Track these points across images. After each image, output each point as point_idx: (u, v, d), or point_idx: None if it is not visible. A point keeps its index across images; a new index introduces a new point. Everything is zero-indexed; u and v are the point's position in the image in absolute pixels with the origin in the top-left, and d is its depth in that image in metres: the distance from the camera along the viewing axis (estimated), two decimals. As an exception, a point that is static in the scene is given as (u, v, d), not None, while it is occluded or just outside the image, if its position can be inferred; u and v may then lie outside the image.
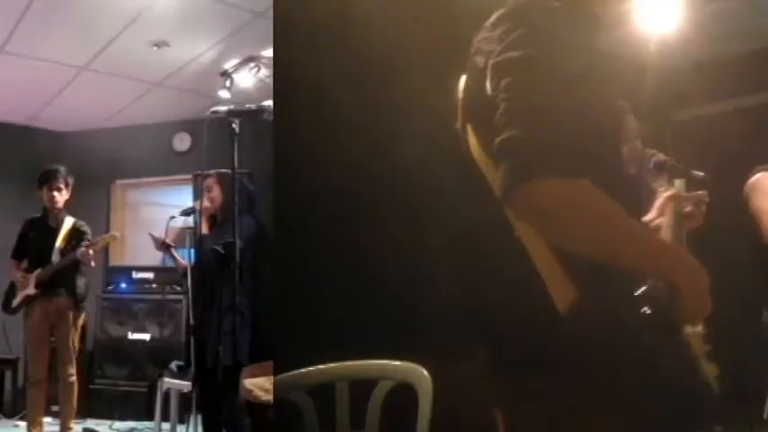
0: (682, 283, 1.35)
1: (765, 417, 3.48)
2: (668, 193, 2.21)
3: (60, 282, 4.30)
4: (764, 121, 4.68)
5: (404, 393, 1.98)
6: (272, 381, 2.86)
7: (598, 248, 1.27)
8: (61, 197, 4.39)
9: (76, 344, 4.40)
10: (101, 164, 5.90)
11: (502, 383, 1.48)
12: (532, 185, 1.21)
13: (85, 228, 4.49)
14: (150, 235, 4.00)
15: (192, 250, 3.92)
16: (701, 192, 2.27)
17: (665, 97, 4.74)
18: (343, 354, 2.14)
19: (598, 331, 1.28)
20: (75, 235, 4.42)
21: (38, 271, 4.29)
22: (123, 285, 5.63)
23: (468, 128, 1.48)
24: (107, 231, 5.91)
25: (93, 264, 4.34)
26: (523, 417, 1.44)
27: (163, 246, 3.95)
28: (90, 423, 5.07)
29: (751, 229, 3.25)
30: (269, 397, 3.26)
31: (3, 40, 4.40)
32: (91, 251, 4.24)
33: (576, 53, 1.32)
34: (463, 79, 1.56)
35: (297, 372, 2.13)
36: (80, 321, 4.47)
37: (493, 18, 1.45)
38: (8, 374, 5.61)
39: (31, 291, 4.27)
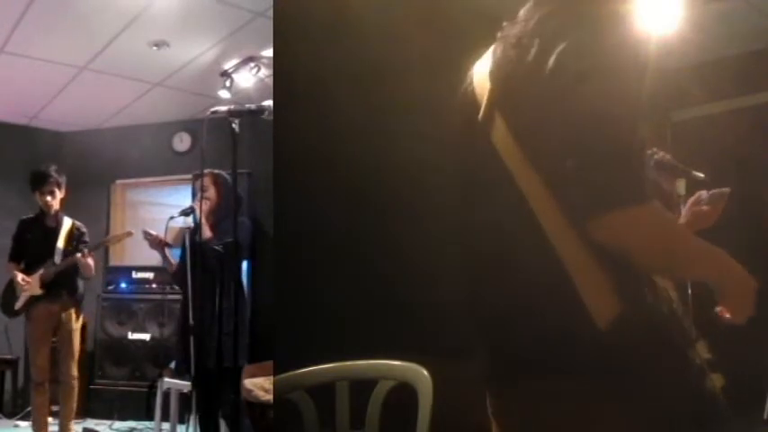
0: (729, 287, 1.40)
1: (765, 417, 3.48)
2: (692, 199, 2.17)
3: (63, 283, 4.28)
4: (764, 121, 4.67)
5: (404, 393, 1.97)
6: (272, 381, 2.86)
7: (673, 266, 1.37)
8: (55, 200, 4.34)
9: (77, 344, 4.40)
10: (101, 164, 5.90)
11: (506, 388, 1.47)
12: (614, 216, 1.24)
13: (84, 229, 4.47)
14: (144, 231, 3.84)
15: (187, 249, 3.83)
16: (725, 189, 2.20)
17: (665, 97, 4.73)
18: (343, 354, 2.14)
19: (641, 345, 1.31)
20: (76, 235, 4.39)
21: (41, 271, 4.25)
22: (123, 285, 5.62)
23: (497, 119, 1.43)
24: (107, 231, 5.93)
25: (93, 272, 4.35)
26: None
27: (160, 244, 3.83)
28: (90, 423, 5.07)
29: (751, 229, 3.25)
30: (269, 397, 3.26)
31: (3, 40, 4.39)
32: (90, 261, 4.25)
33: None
34: (482, 71, 1.50)
35: (297, 372, 2.13)
36: (80, 322, 4.46)
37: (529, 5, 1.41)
38: (8, 374, 5.61)
39: (37, 291, 4.23)
